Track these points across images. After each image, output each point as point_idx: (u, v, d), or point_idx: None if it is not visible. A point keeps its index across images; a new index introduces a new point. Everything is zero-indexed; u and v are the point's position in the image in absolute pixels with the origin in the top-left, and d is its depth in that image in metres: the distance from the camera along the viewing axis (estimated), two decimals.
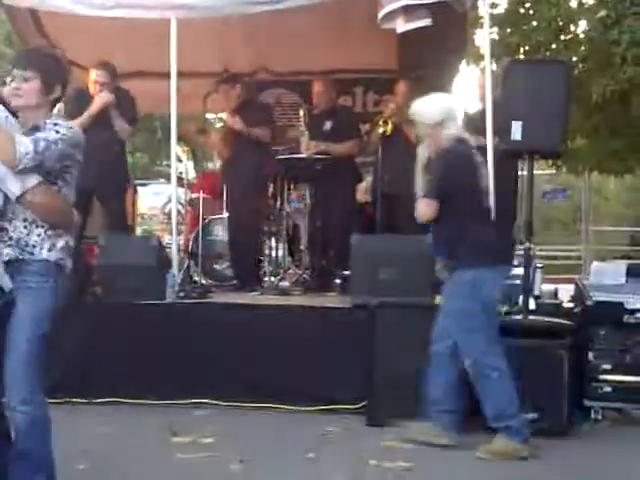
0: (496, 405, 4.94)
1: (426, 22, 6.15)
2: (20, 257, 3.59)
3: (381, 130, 7.07)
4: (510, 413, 4.92)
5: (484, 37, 7.28)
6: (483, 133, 6.26)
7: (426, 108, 5.19)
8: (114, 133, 7.03)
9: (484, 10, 6.72)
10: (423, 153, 5.18)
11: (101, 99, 6.96)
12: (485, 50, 7.05)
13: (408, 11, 6.12)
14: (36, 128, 3.60)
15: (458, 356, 5.01)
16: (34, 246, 3.60)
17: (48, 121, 3.66)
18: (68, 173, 3.68)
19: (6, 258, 3.57)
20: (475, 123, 6.81)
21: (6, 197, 3.53)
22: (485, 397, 4.96)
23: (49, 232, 3.63)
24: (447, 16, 6.56)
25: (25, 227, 3.61)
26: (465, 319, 5.00)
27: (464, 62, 9.30)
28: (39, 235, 3.62)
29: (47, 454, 3.65)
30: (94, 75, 7.10)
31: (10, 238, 3.60)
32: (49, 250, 3.62)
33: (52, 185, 3.61)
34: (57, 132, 3.59)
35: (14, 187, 3.48)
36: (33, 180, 3.50)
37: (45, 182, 3.56)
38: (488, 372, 4.93)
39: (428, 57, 8.11)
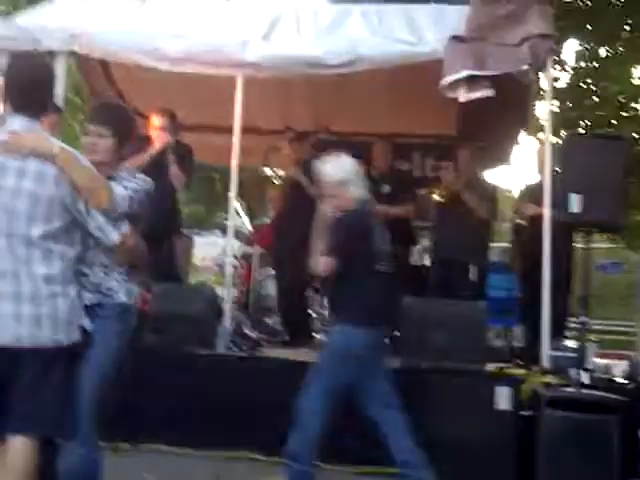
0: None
1: (488, 93, 6.20)
2: (102, 302, 3.73)
3: (438, 198, 7.12)
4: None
5: (545, 110, 7.32)
6: (542, 204, 6.27)
7: (330, 168, 5.22)
8: (169, 180, 7.16)
9: (546, 83, 6.77)
10: (325, 211, 5.19)
11: (161, 140, 7.11)
12: (545, 122, 7.08)
13: (471, 81, 6.19)
14: (111, 179, 3.72)
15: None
16: (113, 290, 3.76)
17: (121, 173, 3.83)
18: (143, 221, 3.90)
19: (88, 302, 3.65)
20: (534, 194, 6.85)
21: (86, 243, 3.59)
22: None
23: (124, 277, 3.84)
24: (510, 87, 6.62)
25: (104, 272, 3.75)
26: (324, 366, 5.01)
27: (523, 133, 9.29)
28: (117, 280, 3.78)
29: None
30: (155, 120, 7.26)
31: (91, 283, 3.73)
32: (125, 295, 3.84)
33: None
34: (136, 183, 3.82)
35: (113, 234, 3.59)
36: (125, 227, 3.64)
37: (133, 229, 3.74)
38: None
39: (488, 126, 8.17)
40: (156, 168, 6.95)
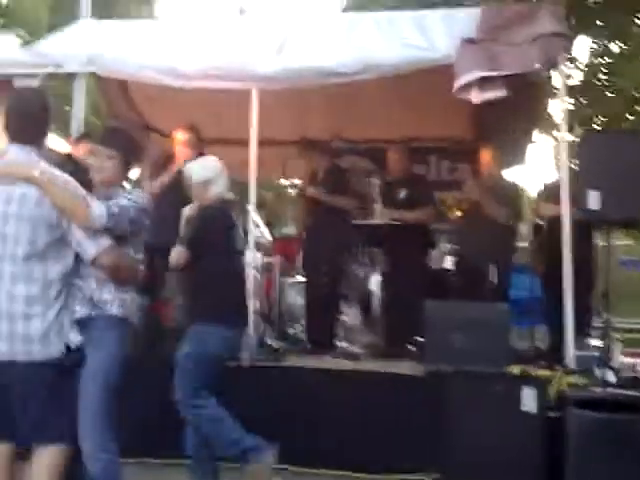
0: (219, 436, 5.20)
1: (501, 93, 6.20)
2: (92, 313, 3.79)
3: (458, 211, 7.17)
4: (236, 438, 5.17)
5: (559, 107, 7.32)
6: (560, 203, 6.27)
7: (196, 169, 5.38)
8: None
9: (559, 81, 6.77)
10: (190, 209, 5.30)
11: (184, 156, 7.18)
12: (560, 120, 7.07)
13: (484, 82, 6.19)
14: (108, 198, 3.84)
15: None
16: (105, 302, 3.81)
17: (119, 191, 3.94)
18: (137, 236, 3.97)
19: (78, 316, 3.77)
20: (552, 193, 6.84)
21: (78, 257, 3.75)
22: (208, 432, 5.21)
23: (118, 288, 3.89)
24: (523, 87, 6.62)
25: (96, 284, 3.82)
26: (187, 364, 5.12)
27: (539, 132, 9.29)
28: (110, 292, 3.84)
29: None
30: (179, 136, 7.34)
31: (83, 296, 3.80)
32: (119, 306, 3.89)
33: (123, 247, 3.87)
34: (129, 199, 3.90)
35: (90, 249, 3.68)
36: (105, 242, 3.70)
37: (115, 244, 3.79)
38: (194, 411, 5.13)
39: (503, 126, 8.17)
40: (177, 186, 7.02)
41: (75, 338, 3.71)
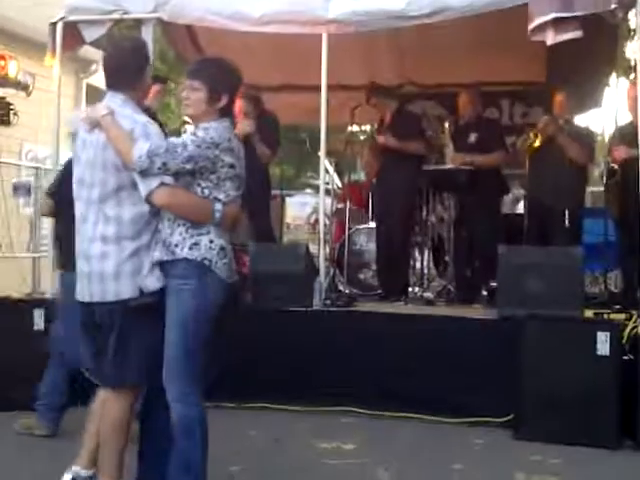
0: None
1: (576, 34, 6.06)
2: (165, 258, 3.74)
3: (530, 143, 7.04)
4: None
5: (635, 49, 7.13)
6: (634, 144, 6.15)
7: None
8: (256, 157, 7.22)
9: (636, 22, 6.58)
10: None
11: (241, 129, 7.23)
12: (636, 62, 6.89)
13: (558, 23, 6.05)
14: (194, 135, 3.77)
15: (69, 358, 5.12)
16: (176, 245, 3.72)
17: (201, 125, 3.81)
18: (213, 173, 3.73)
19: (155, 260, 3.74)
20: (626, 137, 6.70)
21: None
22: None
23: (190, 231, 3.71)
24: (598, 28, 6.47)
25: (169, 227, 3.75)
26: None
27: (614, 74, 9.06)
28: (180, 234, 3.71)
29: (197, 455, 3.71)
30: (238, 105, 7.34)
31: (158, 240, 3.78)
32: (189, 249, 3.69)
33: (195, 186, 3.73)
34: (192, 134, 3.75)
35: (142, 189, 3.68)
36: (155, 182, 3.65)
37: (173, 183, 3.69)
38: None
39: (578, 69, 8.02)
40: (247, 147, 7.07)
41: (152, 283, 3.70)
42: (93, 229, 3.77)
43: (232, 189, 3.79)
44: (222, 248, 3.75)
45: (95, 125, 3.77)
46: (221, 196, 3.74)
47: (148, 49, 4.22)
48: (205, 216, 3.73)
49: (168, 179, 3.67)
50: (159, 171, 3.64)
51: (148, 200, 3.69)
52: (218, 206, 3.72)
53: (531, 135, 7.15)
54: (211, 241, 3.73)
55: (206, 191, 3.72)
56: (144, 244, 3.75)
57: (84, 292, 3.82)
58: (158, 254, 3.74)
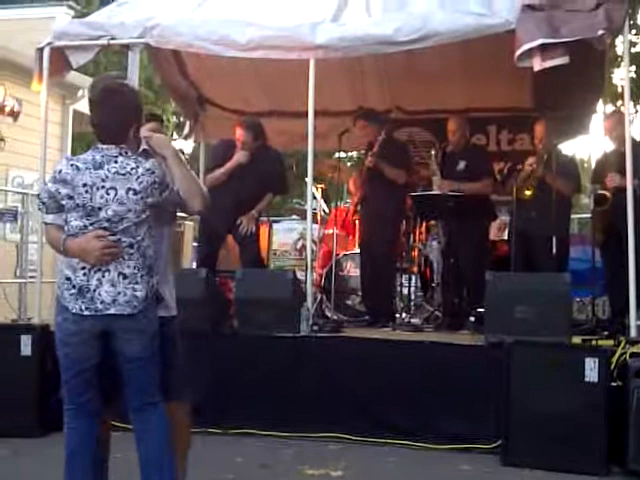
0: None
1: (564, 60, 6.08)
2: None
3: (527, 191, 7.10)
4: None
5: (622, 76, 7.18)
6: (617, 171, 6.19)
7: None
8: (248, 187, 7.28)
9: (623, 48, 6.63)
10: None
11: (237, 158, 7.25)
12: (623, 89, 6.94)
13: (545, 49, 6.07)
14: None
15: None
16: None
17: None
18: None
19: None
20: (614, 164, 6.74)
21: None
22: None
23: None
24: (585, 54, 6.49)
25: None
26: None
27: (602, 101, 9.10)
28: None
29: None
30: (237, 133, 7.34)
31: None
32: None
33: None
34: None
35: None
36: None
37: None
38: None
39: (565, 95, 8.04)
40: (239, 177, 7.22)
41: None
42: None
43: (75, 219, 3.74)
44: (67, 279, 3.75)
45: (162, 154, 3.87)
46: (66, 227, 3.77)
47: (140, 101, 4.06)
48: (57, 248, 3.81)
49: (48, 218, 3.80)
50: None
51: None
52: (62, 237, 3.76)
53: (524, 185, 7.18)
54: (61, 271, 3.81)
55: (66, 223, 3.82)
56: None
57: None
58: None
